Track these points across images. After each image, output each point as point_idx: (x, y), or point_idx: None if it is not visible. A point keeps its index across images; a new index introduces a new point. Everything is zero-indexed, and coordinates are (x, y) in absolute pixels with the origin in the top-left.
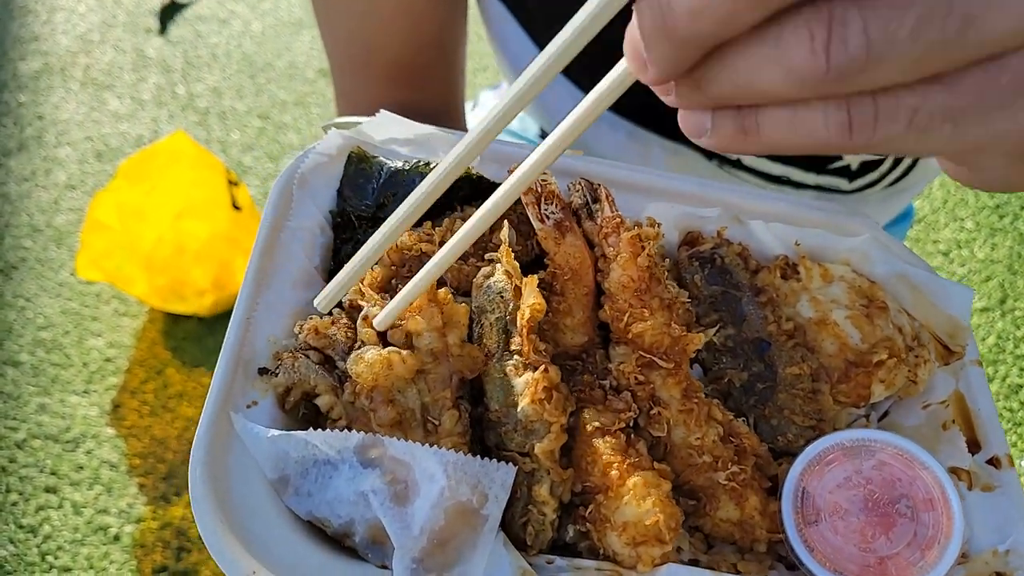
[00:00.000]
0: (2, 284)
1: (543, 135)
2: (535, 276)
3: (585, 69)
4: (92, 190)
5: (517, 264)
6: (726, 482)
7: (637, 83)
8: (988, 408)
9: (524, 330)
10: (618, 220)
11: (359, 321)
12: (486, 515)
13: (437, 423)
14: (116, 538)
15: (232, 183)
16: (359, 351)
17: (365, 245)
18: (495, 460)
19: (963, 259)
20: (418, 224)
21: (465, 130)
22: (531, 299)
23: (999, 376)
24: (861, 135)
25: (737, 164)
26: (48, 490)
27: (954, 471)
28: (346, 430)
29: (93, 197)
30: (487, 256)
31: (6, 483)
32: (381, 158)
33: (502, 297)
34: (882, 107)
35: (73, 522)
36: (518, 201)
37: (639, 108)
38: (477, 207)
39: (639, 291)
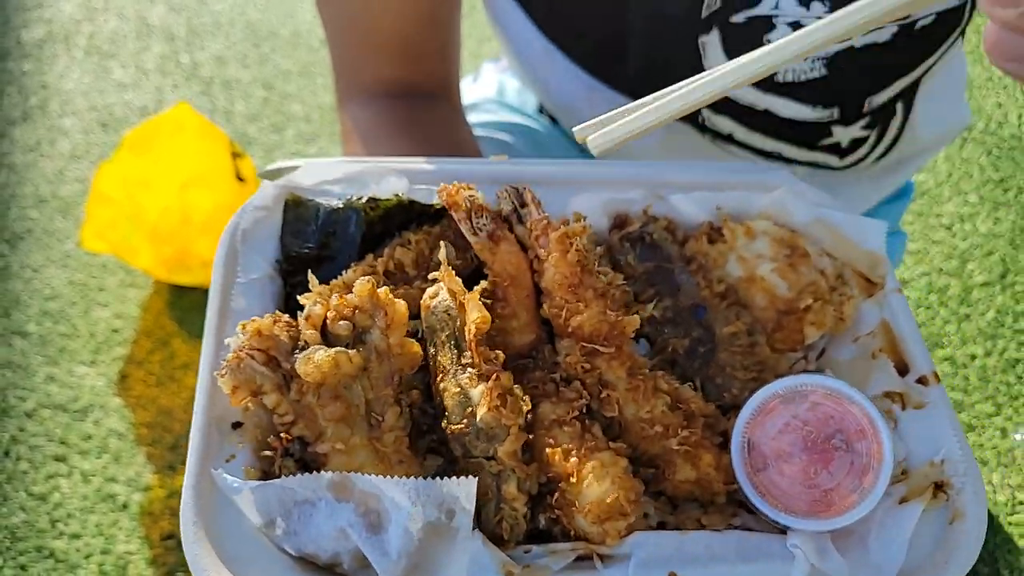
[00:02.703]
0: (9, 255)
1: (541, 110)
2: (476, 291)
3: (587, 50)
4: (97, 160)
5: (459, 281)
6: (678, 447)
7: (631, 53)
8: (912, 332)
9: (472, 344)
10: (545, 221)
11: (302, 321)
12: (457, 527)
13: (381, 418)
14: (124, 506)
15: (236, 155)
16: (307, 352)
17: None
18: (454, 476)
19: (965, 233)
20: (360, 257)
21: (461, 106)
22: (475, 313)
23: (997, 350)
24: None
25: (729, 139)
26: (57, 459)
27: (888, 395)
28: (293, 427)
29: (97, 169)
30: (430, 276)
31: (16, 452)
32: (316, 200)
33: (448, 315)
34: None
35: (82, 490)
36: (452, 219)
37: (635, 80)
38: (415, 231)
39: (572, 286)
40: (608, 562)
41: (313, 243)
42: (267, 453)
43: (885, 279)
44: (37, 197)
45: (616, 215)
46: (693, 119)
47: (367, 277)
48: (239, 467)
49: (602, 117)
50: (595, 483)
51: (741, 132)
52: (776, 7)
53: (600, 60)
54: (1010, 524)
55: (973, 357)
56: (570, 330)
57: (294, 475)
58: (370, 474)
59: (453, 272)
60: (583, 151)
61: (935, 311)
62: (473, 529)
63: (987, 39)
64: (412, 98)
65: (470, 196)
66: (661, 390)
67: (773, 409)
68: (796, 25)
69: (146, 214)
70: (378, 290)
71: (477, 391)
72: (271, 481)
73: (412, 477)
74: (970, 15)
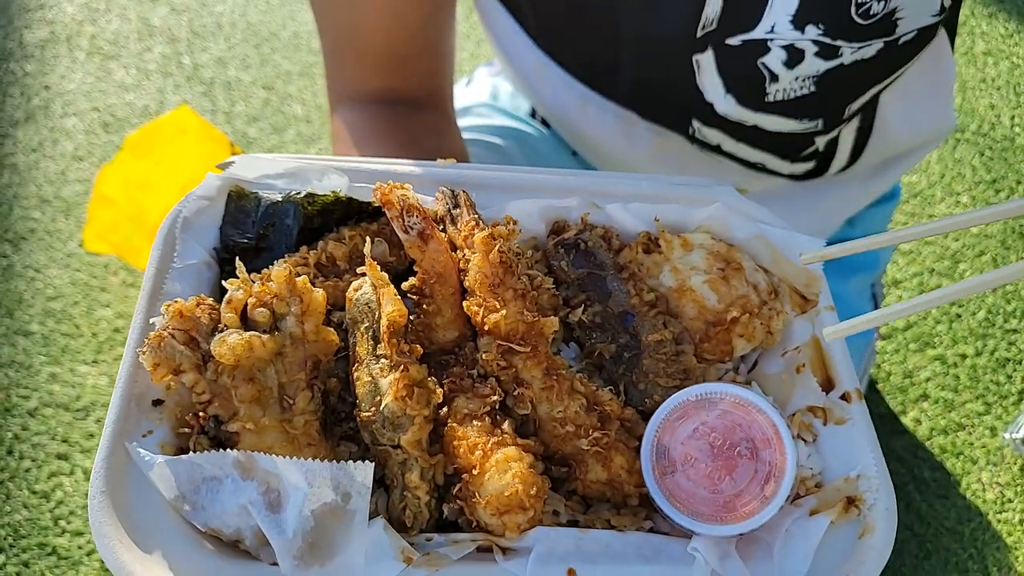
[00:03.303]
0: (12, 255)
1: (533, 114)
2: (391, 286)
3: (579, 62)
4: (100, 161)
5: (384, 275)
6: (589, 447)
7: (623, 66)
8: (840, 349)
9: (385, 336)
10: (473, 223)
11: (223, 305)
12: (353, 510)
13: (292, 402)
14: None
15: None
16: (222, 334)
17: None
18: (351, 461)
19: (957, 233)
20: (296, 250)
21: (452, 116)
22: (389, 307)
23: (987, 350)
24: None
25: (717, 149)
26: (60, 457)
27: (811, 409)
28: (209, 406)
29: (99, 171)
30: (359, 270)
31: (19, 450)
32: (260, 193)
33: (369, 307)
34: None
35: (84, 488)
36: (387, 217)
37: (627, 92)
38: (351, 227)
39: (493, 285)
40: (509, 555)
41: (252, 234)
42: (184, 430)
43: (819, 296)
44: (40, 197)
45: (555, 222)
46: (683, 128)
47: (285, 265)
48: (155, 443)
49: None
50: (496, 476)
51: (729, 143)
52: (771, 31)
53: (593, 72)
54: (999, 522)
55: (964, 356)
56: (487, 328)
57: (206, 452)
58: (277, 455)
59: (378, 266)
60: (574, 155)
61: (926, 311)
62: (378, 515)
63: None
64: (400, 106)
65: (403, 195)
66: (577, 391)
67: (684, 415)
68: (790, 48)
69: (147, 215)
70: (297, 279)
71: (386, 381)
72: (180, 457)
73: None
74: (949, 18)
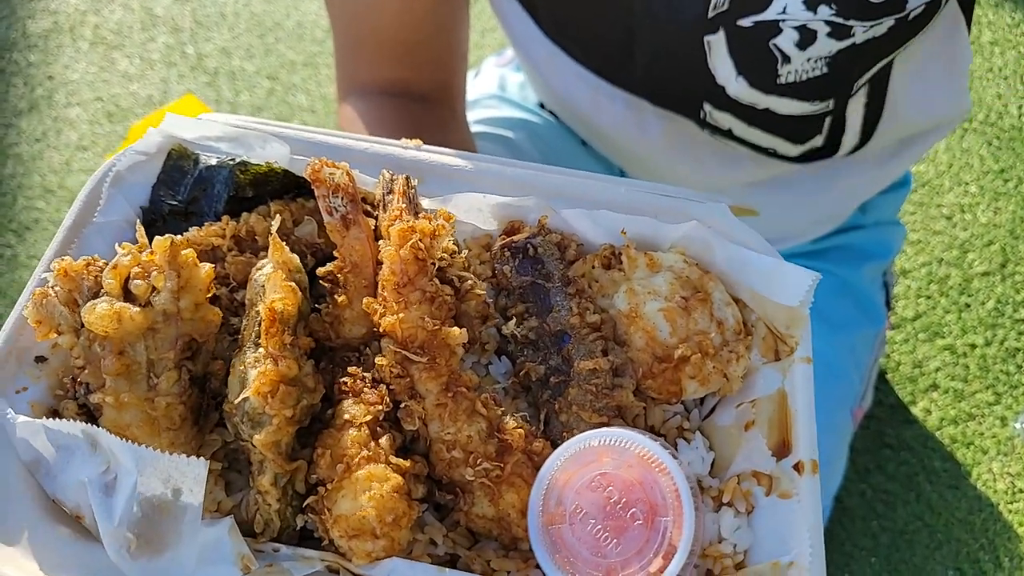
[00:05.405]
0: (16, 245)
1: (541, 106)
2: (282, 271)
3: (592, 52)
4: (104, 151)
5: (290, 257)
6: (473, 478)
7: (636, 51)
8: (806, 410)
9: (264, 324)
10: (398, 212)
11: (107, 270)
12: (184, 505)
13: (157, 381)
14: None
15: None
16: (93, 302)
17: None
18: (185, 456)
19: (966, 223)
20: (219, 219)
21: (461, 112)
22: (274, 293)
23: (997, 340)
24: None
25: (728, 134)
26: None
27: (755, 475)
28: (83, 372)
29: (104, 160)
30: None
31: None
32: (202, 155)
33: (265, 290)
34: None
35: None
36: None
37: (639, 78)
38: (284, 202)
39: (399, 284)
40: None
41: (182, 197)
42: (60, 393)
43: (798, 342)
44: (44, 187)
45: (509, 222)
46: (695, 113)
47: (168, 236)
48: (26, 400)
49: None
50: (351, 496)
51: (740, 127)
52: (783, 11)
53: (605, 61)
54: (1010, 512)
55: (973, 346)
56: (383, 330)
57: (73, 420)
58: (135, 435)
59: (284, 246)
60: (584, 145)
61: (935, 301)
62: (228, 514)
63: None
64: (409, 99)
65: (332, 173)
66: (479, 413)
67: (587, 459)
68: (803, 29)
69: None
70: (183, 252)
71: (254, 373)
72: (35, 420)
73: (170, 448)
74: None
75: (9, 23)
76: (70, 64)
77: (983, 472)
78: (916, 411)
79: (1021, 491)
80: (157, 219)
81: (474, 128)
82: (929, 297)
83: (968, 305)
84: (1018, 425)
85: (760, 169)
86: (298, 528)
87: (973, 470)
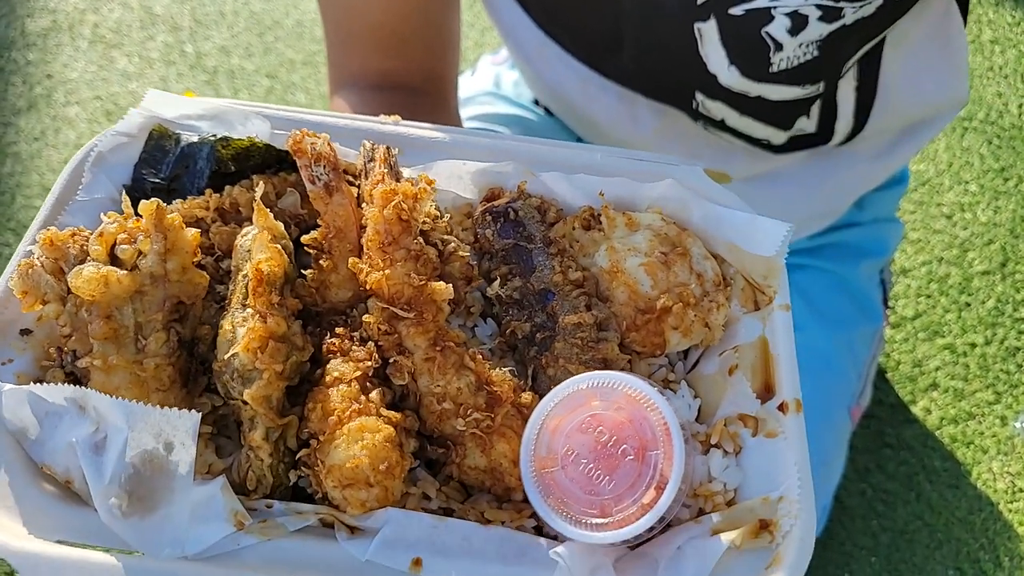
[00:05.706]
0: (15, 244)
1: (536, 103)
2: (267, 233)
3: (581, 41)
4: None
5: (274, 224)
6: (464, 428)
7: (626, 40)
8: (788, 354)
9: (252, 284)
10: (380, 177)
11: (93, 237)
12: (176, 461)
13: (146, 343)
14: None
15: None
16: (80, 267)
17: None
18: (177, 408)
19: (966, 222)
20: (202, 193)
21: (452, 104)
22: (260, 254)
23: (997, 339)
24: None
25: (721, 125)
26: None
27: (741, 417)
28: (70, 340)
29: None
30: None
31: None
32: (183, 134)
33: (250, 254)
34: None
35: None
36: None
37: (630, 68)
38: (268, 176)
39: (384, 243)
40: (357, 534)
41: (165, 175)
42: (46, 363)
43: (776, 291)
44: (42, 186)
45: (489, 188)
46: (687, 103)
47: (154, 199)
48: (12, 372)
49: None
50: (344, 446)
51: (733, 117)
52: None
53: (595, 50)
54: (1010, 512)
55: (973, 345)
56: (369, 287)
57: (45, 385)
58: (123, 397)
59: (268, 213)
60: (579, 140)
61: (935, 300)
62: (221, 473)
63: None
64: (400, 90)
65: (313, 143)
66: (467, 367)
67: (576, 404)
68: (794, 15)
69: None
70: (168, 215)
71: (243, 331)
72: (22, 387)
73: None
74: None
75: (8, 21)
76: (69, 63)
77: (983, 471)
78: (916, 410)
79: (1021, 490)
80: (140, 197)
81: (469, 125)
82: (929, 296)
83: (968, 304)
84: (1018, 424)
85: (755, 163)
86: (291, 485)
87: (973, 469)
